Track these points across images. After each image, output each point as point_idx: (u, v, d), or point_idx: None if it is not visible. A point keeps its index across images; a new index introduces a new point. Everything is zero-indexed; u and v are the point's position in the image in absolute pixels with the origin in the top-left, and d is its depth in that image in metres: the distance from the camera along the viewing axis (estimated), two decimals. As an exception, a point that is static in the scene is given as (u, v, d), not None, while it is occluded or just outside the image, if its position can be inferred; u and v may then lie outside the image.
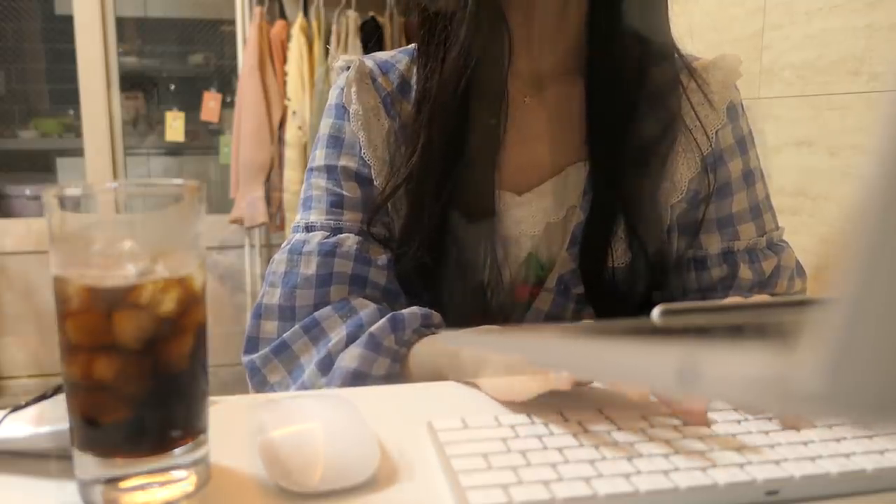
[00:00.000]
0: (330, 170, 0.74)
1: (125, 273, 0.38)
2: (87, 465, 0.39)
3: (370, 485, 0.42)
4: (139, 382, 0.39)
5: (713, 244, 0.75)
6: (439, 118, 0.69)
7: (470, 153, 0.70)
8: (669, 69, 0.73)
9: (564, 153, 0.74)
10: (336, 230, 0.72)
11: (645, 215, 0.72)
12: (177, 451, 0.40)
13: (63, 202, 0.39)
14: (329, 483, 0.41)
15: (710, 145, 0.74)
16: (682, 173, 0.74)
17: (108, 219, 0.40)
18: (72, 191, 0.39)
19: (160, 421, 0.39)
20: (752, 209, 0.76)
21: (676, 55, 0.74)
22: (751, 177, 0.76)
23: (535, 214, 0.73)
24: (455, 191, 0.70)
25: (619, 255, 0.72)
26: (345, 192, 0.73)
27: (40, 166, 3.28)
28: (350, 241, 0.71)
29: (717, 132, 0.74)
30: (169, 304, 0.39)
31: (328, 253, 0.70)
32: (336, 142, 0.75)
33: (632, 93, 0.71)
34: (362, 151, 0.74)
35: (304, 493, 0.41)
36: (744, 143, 0.76)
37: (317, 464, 0.42)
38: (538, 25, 0.73)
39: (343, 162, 0.74)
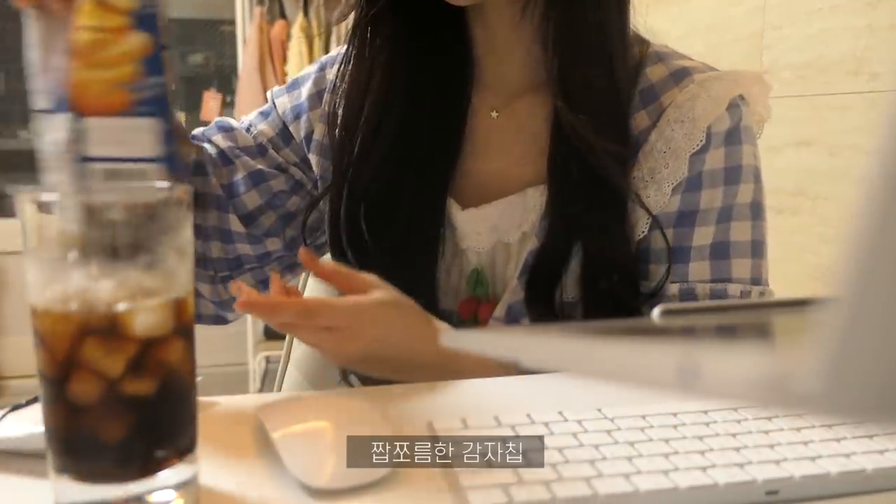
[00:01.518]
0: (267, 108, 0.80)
1: (106, 291, 0.36)
2: (66, 489, 0.37)
3: (370, 485, 0.42)
4: (121, 404, 0.36)
5: (658, 277, 0.67)
6: (383, 131, 0.70)
7: (421, 162, 0.70)
8: (646, 83, 0.68)
9: (526, 172, 0.69)
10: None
11: (602, 250, 0.65)
12: (163, 473, 0.37)
13: (40, 207, 0.36)
14: (349, 480, 0.41)
15: (685, 171, 0.65)
16: (649, 204, 0.66)
17: (89, 226, 0.36)
18: (49, 195, 0.36)
19: (145, 442, 0.37)
20: (715, 248, 0.65)
21: (659, 65, 0.68)
22: (729, 213, 0.65)
23: (480, 231, 0.70)
24: (405, 198, 0.70)
25: (570, 288, 0.66)
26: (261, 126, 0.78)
27: (41, 166, 3.29)
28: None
29: (693, 156, 0.65)
30: (154, 325, 0.37)
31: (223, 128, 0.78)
32: (294, 84, 0.79)
33: (597, 111, 0.64)
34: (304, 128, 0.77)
35: (316, 490, 0.41)
36: (733, 174, 0.65)
37: (340, 460, 0.42)
38: (498, 37, 0.70)
39: (283, 106, 0.78)
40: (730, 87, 0.66)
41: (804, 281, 1.19)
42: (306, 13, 2.70)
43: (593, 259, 0.65)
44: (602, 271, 0.65)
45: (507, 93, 0.72)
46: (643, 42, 0.70)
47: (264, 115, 0.79)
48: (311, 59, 2.65)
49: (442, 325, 0.63)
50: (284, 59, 2.71)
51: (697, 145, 0.65)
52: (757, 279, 0.67)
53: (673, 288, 0.66)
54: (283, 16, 2.80)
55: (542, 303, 0.66)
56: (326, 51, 2.61)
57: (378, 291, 0.59)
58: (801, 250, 1.24)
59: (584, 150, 0.63)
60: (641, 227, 0.66)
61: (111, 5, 0.45)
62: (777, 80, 1.31)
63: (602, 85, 0.64)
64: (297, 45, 2.65)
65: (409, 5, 0.68)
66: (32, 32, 0.48)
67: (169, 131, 0.47)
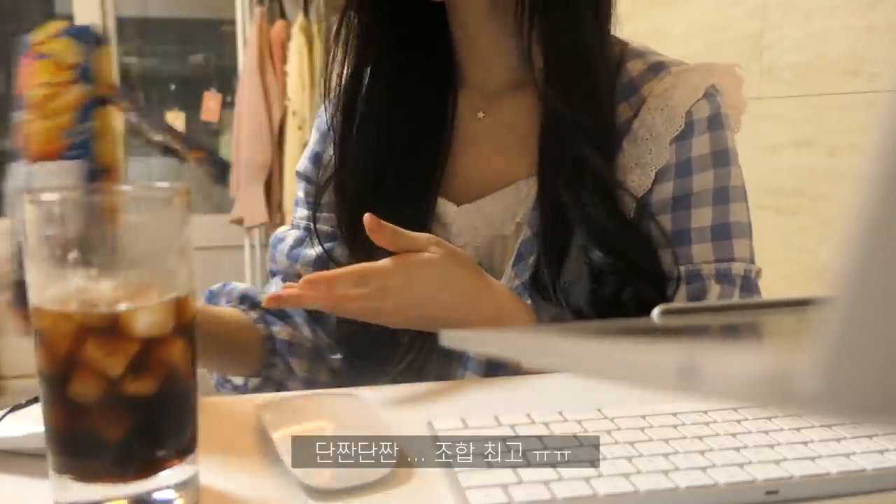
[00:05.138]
0: (298, 174, 0.83)
1: (106, 291, 0.36)
2: (66, 489, 0.37)
3: (370, 485, 0.42)
4: (122, 404, 0.36)
5: (666, 260, 0.68)
6: (367, 129, 0.74)
7: (406, 162, 0.74)
8: (626, 77, 0.71)
9: (516, 167, 0.73)
10: (297, 228, 0.80)
11: (593, 234, 0.67)
12: (163, 473, 0.38)
13: (39, 207, 0.36)
14: (349, 480, 0.41)
15: (667, 157, 0.68)
16: (634, 187, 0.68)
17: (90, 226, 0.36)
18: (49, 195, 0.36)
19: (145, 442, 0.37)
20: (716, 229, 0.68)
21: (637, 60, 0.71)
22: (726, 194, 0.68)
23: (476, 226, 0.72)
24: (390, 195, 0.73)
25: (567, 273, 0.68)
26: (301, 194, 0.82)
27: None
28: (290, 237, 0.78)
29: (676, 142, 0.68)
30: (155, 325, 0.37)
31: (273, 247, 0.80)
32: (309, 148, 0.84)
33: (581, 105, 0.67)
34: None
35: (316, 490, 0.41)
36: (722, 157, 0.68)
37: (339, 461, 0.42)
38: (478, 38, 0.73)
39: (305, 165, 0.82)
40: (704, 77, 0.70)
41: (804, 281, 1.19)
42: (306, 13, 2.70)
43: (588, 244, 0.67)
44: (600, 256, 0.67)
45: (492, 93, 0.75)
46: (622, 42, 0.74)
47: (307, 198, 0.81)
48: (311, 59, 2.65)
49: (498, 285, 0.64)
50: (284, 59, 2.70)
51: (677, 131, 0.68)
52: (753, 258, 0.70)
53: (679, 270, 0.68)
54: (283, 16, 2.80)
55: (546, 288, 0.68)
56: (326, 51, 2.61)
57: (433, 248, 0.60)
58: (800, 250, 1.23)
59: (569, 140, 0.67)
60: (628, 211, 0.68)
61: (61, 62, 0.50)
62: (777, 80, 1.31)
63: (583, 78, 0.68)
64: (297, 45, 2.65)
65: (393, 10, 0.72)
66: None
67: (92, 170, 0.52)
